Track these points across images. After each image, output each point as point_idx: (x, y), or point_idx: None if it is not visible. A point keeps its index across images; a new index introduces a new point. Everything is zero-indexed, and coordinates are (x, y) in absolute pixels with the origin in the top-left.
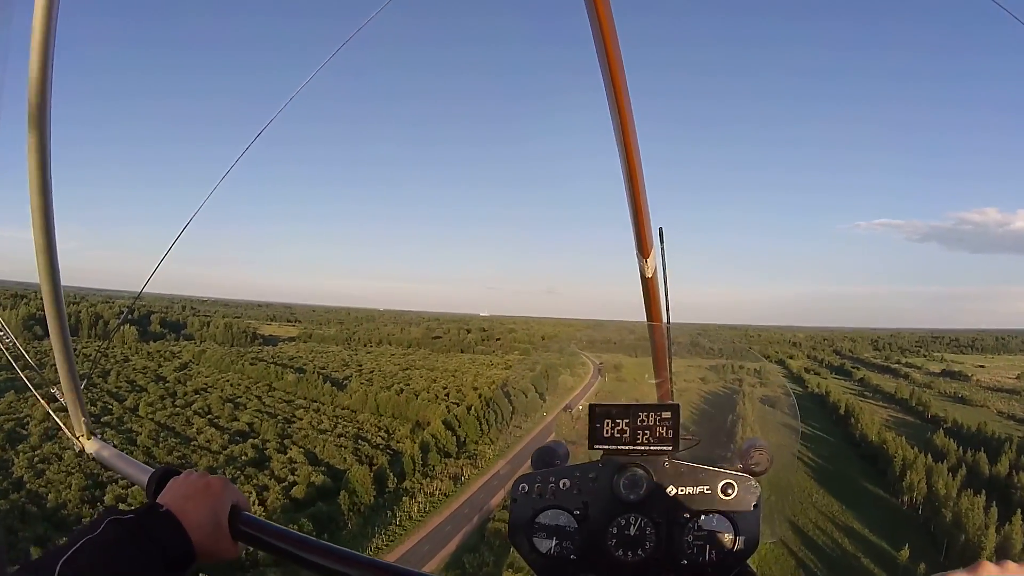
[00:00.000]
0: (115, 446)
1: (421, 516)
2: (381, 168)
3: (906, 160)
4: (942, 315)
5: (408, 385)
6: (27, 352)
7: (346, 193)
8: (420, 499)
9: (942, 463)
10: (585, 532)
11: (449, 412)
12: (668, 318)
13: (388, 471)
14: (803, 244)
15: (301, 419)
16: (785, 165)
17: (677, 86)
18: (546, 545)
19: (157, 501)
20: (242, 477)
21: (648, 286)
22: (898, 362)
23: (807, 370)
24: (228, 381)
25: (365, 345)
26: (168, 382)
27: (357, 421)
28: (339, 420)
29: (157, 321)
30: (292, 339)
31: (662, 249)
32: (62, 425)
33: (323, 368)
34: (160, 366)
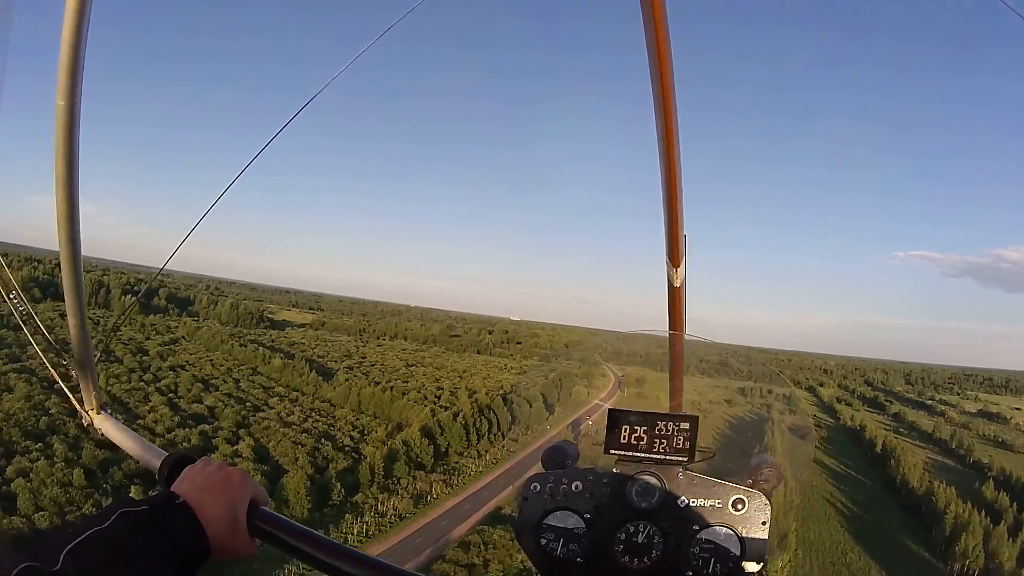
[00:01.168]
0: (126, 423)
1: (358, 542)
2: (430, 168)
3: (947, 191)
4: (973, 353)
5: (406, 382)
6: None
7: (391, 190)
8: (368, 519)
9: (1000, 524)
10: (593, 536)
11: (434, 416)
12: (684, 329)
13: (334, 481)
14: (838, 271)
15: (272, 408)
16: (823, 189)
17: (705, 98)
18: (553, 546)
19: (172, 491)
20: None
21: (675, 295)
22: (932, 398)
23: (839, 400)
24: (211, 360)
25: (379, 337)
26: (148, 355)
27: (332, 416)
28: (312, 413)
29: (164, 295)
30: (303, 325)
31: (685, 258)
32: (72, 398)
33: (321, 357)
34: (148, 339)
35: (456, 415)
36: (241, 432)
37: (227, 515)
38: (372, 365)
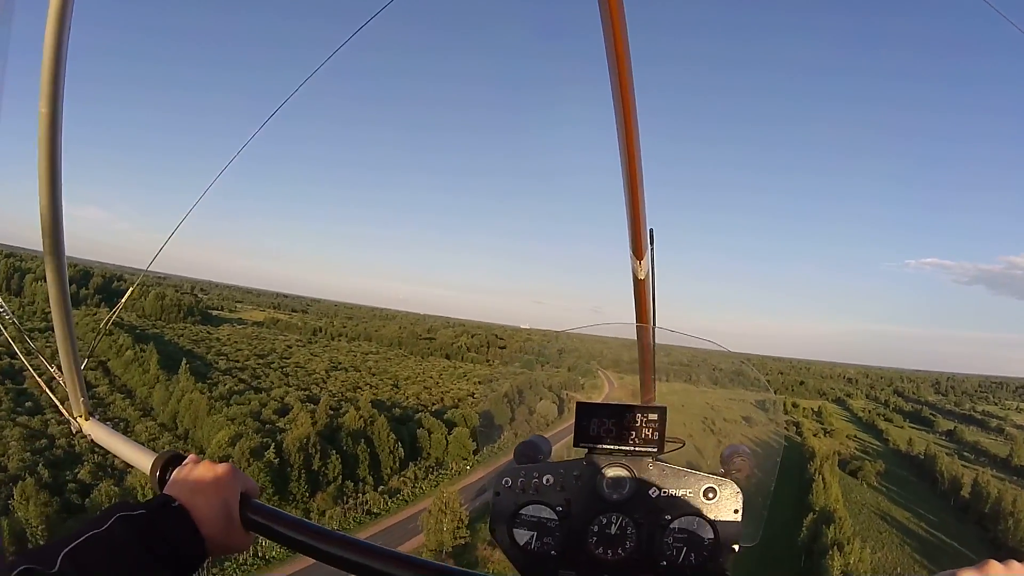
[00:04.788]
0: (113, 428)
1: None
2: (445, 176)
3: (962, 198)
4: (986, 361)
5: (308, 389)
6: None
7: (406, 197)
8: None
9: None
10: (567, 529)
11: (247, 446)
12: (654, 320)
13: None
14: (850, 279)
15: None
16: (834, 197)
17: (719, 107)
18: (527, 540)
19: (168, 493)
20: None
21: (640, 288)
22: (972, 409)
23: (879, 415)
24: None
25: (333, 338)
26: None
27: (127, 432)
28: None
29: (94, 287)
30: (245, 323)
31: (652, 251)
32: (60, 406)
33: (223, 355)
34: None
35: (267, 447)
36: None
37: (220, 513)
38: (281, 366)
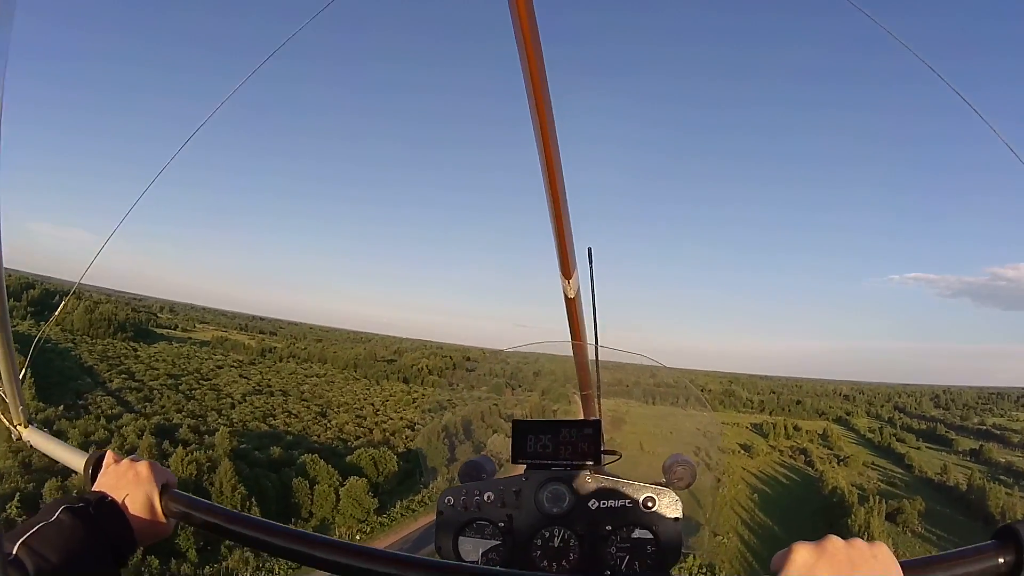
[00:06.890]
0: (50, 433)
1: None
2: (428, 207)
3: (946, 209)
4: (978, 372)
5: (204, 416)
6: None
7: (397, 230)
8: None
9: None
10: (510, 544)
11: None
12: (597, 338)
13: None
14: (835, 296)
15: None
16: (816, 212)
17: (700, 119)
18: (472, 556)
19: (102, 490)
20: None
21: (570, 307)
22: (982, 423)
23: (892, 435)
24: None
25: (282, 359)
26: None
27: None
28: None
29: (27, 299)
30: (188, 342)
31: (591, 269)
32: (1, 416)
33: (123, 373)
34: None
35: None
36: None
37: (144, 505)
38: (190, 388)
